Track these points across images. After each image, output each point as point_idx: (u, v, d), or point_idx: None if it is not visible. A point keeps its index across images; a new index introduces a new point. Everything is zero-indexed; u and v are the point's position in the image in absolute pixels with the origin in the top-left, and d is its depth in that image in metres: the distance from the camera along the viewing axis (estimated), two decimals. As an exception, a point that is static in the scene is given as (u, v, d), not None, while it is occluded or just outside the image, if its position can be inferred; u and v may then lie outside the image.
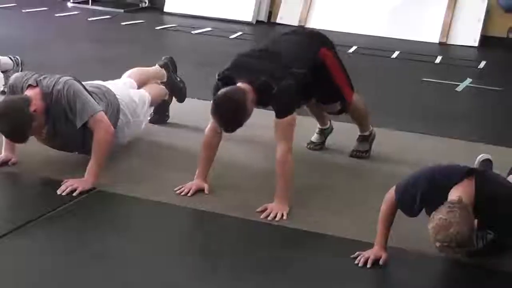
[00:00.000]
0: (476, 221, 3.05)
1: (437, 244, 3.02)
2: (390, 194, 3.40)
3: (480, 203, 3.17)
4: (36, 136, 4.12)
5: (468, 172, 3.27)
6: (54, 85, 4.05)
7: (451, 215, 2.99)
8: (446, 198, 3.15)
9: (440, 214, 3.02)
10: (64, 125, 4.09)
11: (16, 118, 3.89)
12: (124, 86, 4.69)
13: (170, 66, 5.24)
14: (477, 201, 3.17)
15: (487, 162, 4.30)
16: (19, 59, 5.58)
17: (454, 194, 3.15)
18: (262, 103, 4.00)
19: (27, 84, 4.07)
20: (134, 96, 4.64)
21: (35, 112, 3.94)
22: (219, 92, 3.84)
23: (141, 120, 4.72)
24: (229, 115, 3.81)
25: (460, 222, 2.97)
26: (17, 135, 3.99)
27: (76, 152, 4.33)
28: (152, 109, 5.06)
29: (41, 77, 4.10)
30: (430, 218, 3.08)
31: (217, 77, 4.05)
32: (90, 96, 4.13)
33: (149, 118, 5.15)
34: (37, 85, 4.04)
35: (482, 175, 3.31)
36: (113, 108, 4.37)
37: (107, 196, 3.96)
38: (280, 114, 3.93)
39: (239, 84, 3.90)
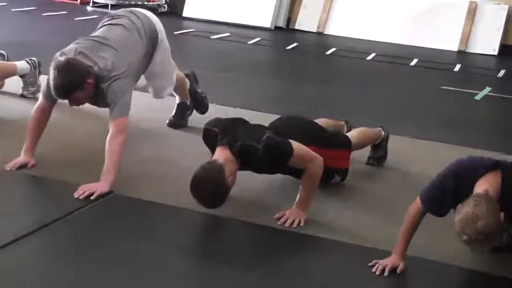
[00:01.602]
0: (502, 214, 3.02)
1: (465, 237, 2.97)
2: (414, 204, 3.37)
3: (506, 196, 3.14)
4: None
5: (494, 165, 3.23)
6: (105, 78, 4.11)
7: (478, 208, 2.96)
8: (472, 191, 3.12)
9: (467, 208, 2.98)
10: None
11: (74, 79, 3.99)
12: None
13: (192, 78, 5.26)
14: (503, 194, 3.14)
15: None
16: (36, 61, 5.59)
17: (480, 187, 3.13)
18: (246, 166, 3.90)
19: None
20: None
21: (89, 85, 4.04)
22: (198, 172, 3.74)
23: (170, 78, 4.86)
24: (208, 199, 3.75)
25: (487, 215, 2.94)
26: (66, 90, 4.02)
27: None
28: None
29: (91, 58, 4.15)
30: (456, 211, 3.05)
31: (205, 125, 4.03)
32: (126, 98, 4.17)
33: (167, 121, 5.18)
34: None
35: (508, 168, 3.26)
36: (153, 40, 4.61)
37: (124, 200, 3.97)
38: (286, 162, 3.83)
39: (218, 156, 3.81)
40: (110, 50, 4.25)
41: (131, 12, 4.68)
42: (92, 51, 4.20)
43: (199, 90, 5.30)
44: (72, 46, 4.28)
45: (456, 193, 3.22)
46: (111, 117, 4.13)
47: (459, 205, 3.06)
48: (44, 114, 4.29)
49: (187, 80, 5.21)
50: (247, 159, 3.82)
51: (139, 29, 4.52)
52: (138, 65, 4.45)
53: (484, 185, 3.13)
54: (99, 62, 4.14)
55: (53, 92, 4.06)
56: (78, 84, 4.02)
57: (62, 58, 4.08)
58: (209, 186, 3.70)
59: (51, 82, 4.04)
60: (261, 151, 3.76)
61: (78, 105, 4.21)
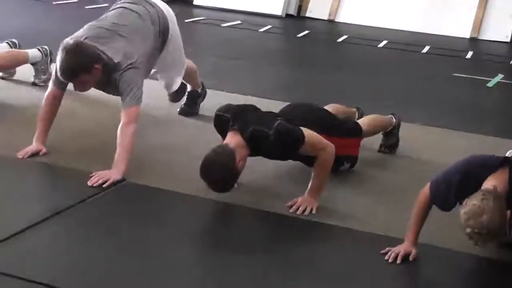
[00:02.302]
0: (508, 211, 3.02)
1: (468, 230, 2.98)
2: (424, 191, 3.37)
3: None
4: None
5: (502, 162, 3.23)
6: (116, 67, 4.11)
7: (484, 202, 2.96)
8: (480, 188, 3.11)
9: (473, 201, 2.99)
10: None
11: (81, 61, 3.99)
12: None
13: (204, 90, 5.28)
14: (510, 191, 3.14)
15: None
16: (48, 49, 5.59)
17: (489, 183, 3.13)
18: (257, 152, 3.90)
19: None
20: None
21: (96, 70, 4.04)
22: (208, 155, 3.73)
23: (181, 68, 4.84)
24: (218, 183, 3.74)
25: (493, 210, 2.94)
26: (69, 72, 4.03)
27: None
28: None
29: (101, 46, 4.15)
30: (463, 204, 3.05)
31: (217, 111, 4.02)
32: (137, 87, 4.15)
33: (179, 109, 5.18)
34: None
35: None
36: (163, 26, 4.58)
37: (136, 188, 3.98)
38: (297, 149, 3.83)
39: (229, 140, 3.81)
40: (121, 39, 4.24)
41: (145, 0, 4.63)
42: (101, 40, 4.19)
43: (199, 102, 5.25)
44: (80, 32, 4.28)
45: (460, 190, 3.22)
46: (123, 107, 4.13)
47: (466, 199, 3.06)
48: (55, 102, 4.30)
49: (197, 78, 5.17)
50: (257, 145, 3.82)
51: (152, 18, 4.51)
52: (150, 54, 4.43)
53: (493, 182, 3.14)
54: (108, 52, 4.13)
55: (59, 73, 4.06)
56: (86, 67, 4.01)
57: (71, 41, 4.09)
58: (219, 170, 3.70)
59: (58, 64, 4.05)
60: (272, 137, 3.76)
61: (83, 90, 4.21)
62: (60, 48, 4.07)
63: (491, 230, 2.96)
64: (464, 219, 2.99)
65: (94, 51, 4.08)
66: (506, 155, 4.29)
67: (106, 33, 4.27)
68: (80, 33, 4.26)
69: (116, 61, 4.12)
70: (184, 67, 4.89)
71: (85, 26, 4.35)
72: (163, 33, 4.59)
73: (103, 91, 4.37)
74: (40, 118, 4.32)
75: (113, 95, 4.32)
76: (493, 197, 3.00)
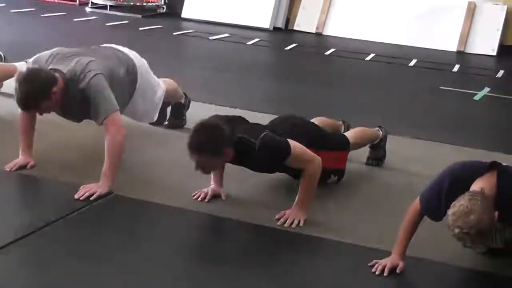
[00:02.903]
0: (496, 213, 3.03)
1: (456, 230, 2.98)
2: (414, 204, 3.38)
3: (501, 196, 3.15)
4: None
5: (490, 166, 3.25)
6: (79, 78, 4.04)
7: (472, 202, 2.98)
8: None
9: (461, 201, 3.01)
10: (86, 115, 4.17)
11: (36, 88, 3.91)
12: (143, 61, 4.72)
13: (188, 99, 5.25)
14: (499, 194, 3.16)
15: None
16: None
17: (476, 186, 3.15)
18: (242, 162, 3.91)
19: (50, 67, 4.10)
20: (150, 72, 4.71)
21: (54, 94, 3.97)
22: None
23: (156, 102, 4.75)
24: (202, 139, 3.71)
25: (481, 210, 2.96)
26: (26, 101, 3.98)
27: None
28: (167, 114, 5.11)
29: (66, 61, 4.11)
30: (451, 205, 3.05)
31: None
32: (110, 94, 4.09)
33: (166, 123, 5.17)
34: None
35: (504, 169, 3.29)
36: (131, 74, 4.44)
37: (123, 200, 3.97)
38: (283, 161, 3.83)
39: None
40: (88, 56, 4.19)
41: (114, 47, 4.58)
42: (64, 59, 4.14)
43: (185, 113, 5.22)
44: (47, 51, 4.25)
45: (450, 196, 3.21)
46: (102, 120, 4.04)
47: (454, 201, 3.07)
48: (29, 119, 4.27)
49: (180, 93, 5.14)
50: (243, 155, 3.82)
51: (122, 62, 4.43)
52: (120, 83, 4.31)
53: (481, 184, 3.15)
54: (72, 62, 4.09)
55: (18, 106, 4.02)
56: (42, 94, 3.95)
57: (23, 70, 4.02)
58: (207, 131, 3.71)
59: (15, 97, 3.98)
60: (257, 147, 3.77)
61: (48, 112, 4.14)
62: (15, 80, 4.01)
63: (479, 230, 2.96)
64: (452, 220, 3.00)
65: (46, 76, 4.00)
66: None
67: (74, 50, 4.23)
68: (46, 52, 4.22)
69: (78, 73, 4.06)
70: (157, 109, 4.82)
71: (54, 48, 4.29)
72: (131, 82, 4.49)
73: (65, 116, 4.29)
74: (20, 132, 4.31)
75: (76, 118, 4.25)
76: (480, 197, 3.01)
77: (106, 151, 4.04)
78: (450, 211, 3.02)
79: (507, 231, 3.43)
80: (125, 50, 4.61)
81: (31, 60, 4.29)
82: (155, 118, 4.86)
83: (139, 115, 4.72)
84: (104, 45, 4.65)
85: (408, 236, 3.38)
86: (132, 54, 4.61)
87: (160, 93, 4.80)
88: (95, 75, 4.07)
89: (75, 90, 4.05)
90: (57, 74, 4.03)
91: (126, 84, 4.41)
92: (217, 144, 3.72)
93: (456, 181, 3.25)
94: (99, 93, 4.05)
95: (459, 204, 3.00)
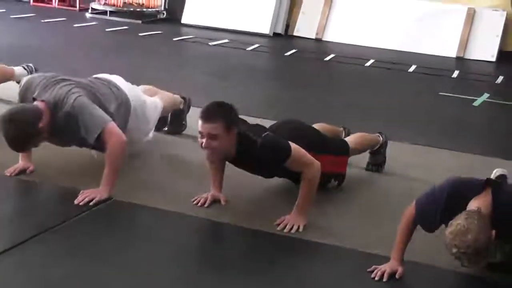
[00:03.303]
0: (493, 232, 3.04)
1: (454, 250, 3.01)
2: (410, 209, 3.40)
3: (497, 214, 3.17)
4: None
5: (485, 185, 3.27)
6: (62, 103, 4.02)
7: (469, 221, 3.00)
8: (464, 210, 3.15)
9: (458, 221, 3.03)
10: (76, 139, 4.12)
11: (24, 131, 3.89)
12: (135, 88, 4.67)
13: (186, 102, 5.22)
14: (494, 213, 3.17)
15: (502, 178, 4.29)
16: (33, 67, 5.59)
17: (473, 205, 3.17)
18: (242, 161, 3.93)
19: (33, 96, 4.09)
20: (145, 99, 4.65)
21: (42, 129, 3.96)
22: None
23: (150, 128, 4.70)
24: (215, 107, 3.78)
25: (478, 230, 2.98)
26: (18, 145, 4.00)
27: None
28: (167, 119, 5.10)
29: (49, 88, 4.09)
30: (448, 224, 3.08)
31: None
32: (97, 109, 4.08)
33: (165, 128, 5.17)
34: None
35: (498, 186, 3.31)
36: (124, 108, 4.37)
37: (123, 205, 3.97)
38: (283, 162, 3.83)
39: None
40: (73, 83, 4.17)
41: (109, 81, 4.48)
42: (52, 80, 4.14)
43: (185, 118, 5.21)
44: (40, 74, 4.26)
45: (445, 211, 3.25)
46: (96, 136, 3.99)
47: (451, 220, 3.09)
48: None
49: (178, 101, 5.13)
50: (243, 151, 3.83)
51: (115, 96, 4.37)
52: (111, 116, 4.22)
53: (477, 203, 3.18)
54: (55, 89, 4.07)
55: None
56: (31, 135, 3.94)
57: (6, 115, 3.93)
58: (222, 103, 3.81)
59: (4, 139, 3.93)
60: (259, 145, 3.77)
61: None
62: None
63: (476, 249, 2.99)
64: (449, 239, 3.02)
65: (32, 113, 3.95)
66: (493, 173, 4.33)
67: (57, 78, 4.19)
68: (35, 78, 4.21)
69: (62, 97, 4.03)
70: (152, 128, 4.77)
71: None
72: (123, 115, 4.40)
73: (54, 142, 4.24)
74: None
75: (64, 143, 4.22)
76: (477, 217, 3.03)
77: (106, 157, 4.04)
78: (447, 231, 3.05)
79: (507, 246, 3.43)
80: (120, 83, 4.51)
81: (23, 82, 4.26)
82: (151, 135, 4.78)
83: (134, 141, 4.48)
84: (100, 75, 4.53)
85: (405, 240, 3.39)
86: (127, 88, 4.52)
87: (155, 115, 4.74)
88: (78, 96, 4.06)
89: (61, 116, 4.03)
90: (40, 106, 4.01)
91: (116, 117, 4.27)
92: (231, 115, 3.77)
93: (453, 198, 3.27)
94: (85, 111, 4.03)
95: (456, 224, 3.02)
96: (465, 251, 2.99)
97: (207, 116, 3.73)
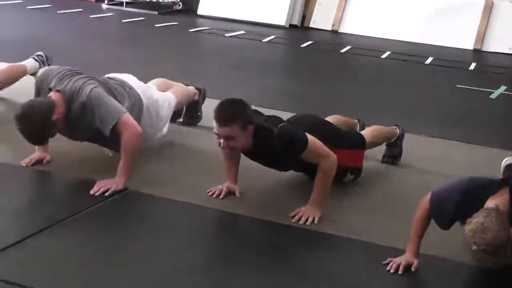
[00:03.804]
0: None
1: (474, 247, 3.04)
2: (424, 201, 3.39)
3: None
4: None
5: (501, 184, 3.28)
6: (78, 94, 4.05)
7: (488, 219, 3.02)
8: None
9: (477, 218, 3.05)
10: (90, 131, 4.10)
11: (39, 124, 3.91)
12: (147, 87, 4.68)
13: (202, 93, 5.20)
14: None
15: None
16: (44, 56, 5.54)
17: (490, 203, 3.18)
18: (259, 154, 3.92)
19: (49, 87, 4.11)
20: (158, 98, 4.64)
21: (57, 121, 3.97)
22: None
23: (162, 124, 4.69)
24: (229, 105, 3.76)
25: (497, 227, 3.00)
26: (35, 139, 4.03)
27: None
28: (182, 110, 5.10)
29: (65, 80, 4.11)
30: (467, 222, 3.09)
31: None
32: (112, 100, 4.11)
33: (181, 120, 5.17)
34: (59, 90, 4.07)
35: None
36: (137, 108, 4.36)
37: (138, 196, 3.98)
38: (300, 153, 3.82)
39: None
40: (89, 77, 4.19)
41: (122, 81, 4.48)
42: (68, 73, 4.16)
43: (200, 109, 5.20)
44: (57, 67, 4.27)
45: (460, 210, 3.26)
46: (112, 127, 4.00)
47: (469, 218, 3.10)
48: None
49: (193, 93, 5.11)
50: (260, 143, 3.81)
51: (129, 96, 4.37)
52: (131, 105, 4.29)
53: (494, 202, 3.19)
54: (71, 81, 4.08)
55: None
56: (46, 129, 3.96)
57: (20, 110, 3.94)
58: (235, 103, 3.78)
59: (21, 133, 3.96)
60: (276, 136, 3.77)
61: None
62: (14, 117, 3.95)
63: (497, 246, 3.01)
64: (469, 237, 3.05)
65: (45, 105, 3.97)
66: (502, 162, 4.32)
67: (73, 72, 4.21)
68: (52, 70, 4.23)
69: (77, 89, 4.05)
70: (166, 123, 4.72)
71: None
72: (137, 114, 4.38)
73: (69, 136, 4.25)
74: None
75: (79, 136, 4.22)
76: (495, 214, 3.05)
77: (122, 149, 4.05)
78: (466, 228, 3.07)
79: None
80: (133, 83, 4.51)
81: (40, 73, 4.30)
82: (165, 131, 4.74)
83: (147, 138, 4.45)
84: (113, 75, 4.53)
85: (421, 233, 3.39)
86: (139, 88, 4.52)
87: (168, 112, 4.71)
88: (94, 87, 4.08)
89: (76, 106, 4.05)
90: (55, 96, 4.03)
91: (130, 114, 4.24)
92: (245, 114, 3.74)
93: (469, 197, 3.27)
94: (101, 102, 4.04)
95: (475, 221, 3.04)
96: (485, 248, 3.01)
97: (222, 119, 3.71)
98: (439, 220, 3.37)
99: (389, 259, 3.38)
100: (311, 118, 4.38)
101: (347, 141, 4.28)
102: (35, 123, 3.91)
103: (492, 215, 3.04)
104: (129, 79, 4.55)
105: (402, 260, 3.35)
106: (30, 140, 4.02)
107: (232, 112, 3.73)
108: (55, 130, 4.03)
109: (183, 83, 5.12)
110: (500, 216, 3.05)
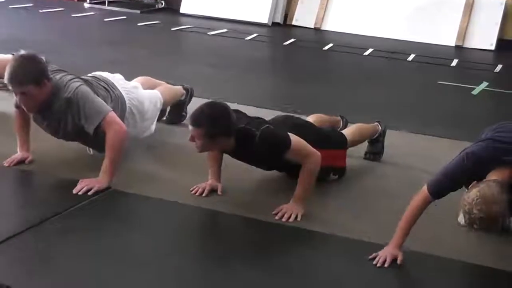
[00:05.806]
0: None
1: (471, 215, 3.16)
2: (421, 194, 3.41)
3: None
4: (27, 111, 4.12)
5: (506, 161, 3.37)
6: (64, 88, 4.04)
7: (488, 190, 3.16)
8: (485, 175, 3.31)
9: (478, 187, 3.18)
10: (73, 128, 4.09)
11: (33, 69, 3.90)
12: (134, 88, 4.65)
13: (189, 92, 5.19)
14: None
15: None
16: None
17: (492, 176, 3.30)
18: (241, 154, 3.93)
19: None
20: (144, 99, 4.62)
21: (44, 87, 3.93)
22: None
23: (149, 123, 4.68)
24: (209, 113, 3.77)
25: (496, 198, 3.14)
26: (18, 73, 3.90)
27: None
28: (167, 109, 5.10)
29: (52, 74, 4.08)
30: (466, 191, 3.24)
31: None
32: (98, 99, 4.11)
33: (164, 118, 5.16)
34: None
35: None
36: (119, 112, 4.33)
37: (122, 195, 3.97)
38: (283, 153, 3.84)
39: None
40: (74, 76, 4.19)
41: (107, 81, 4.45)
42: (54, 70, 4.14)
43: (185, 109, 5.17)
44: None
45: (471, 175, 3.37)
46: (97, 125, 4.00)
47: (471, 185, 3.26)
48: (24, 116, 4.25)
49: (180, 93, 5.11)
50: (243, 145, 3.82)
51: (111, 98, 4.35)
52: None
53: (496, 176, 3.31)
54: (58, 76, 4.08)
55: (6, 81, 3.94)
56: (35, 77, 3.92)
57: (23, 51, 4.00)
58: (212, 108, 3.79)
59: (7, 72, 3.91)
60: (258, 138, 3.77)
61: (28, 107, 4.04)
62: (11, 58, 3.98)
63: (492, 215, 3.15)
64: (468, 204, 3.16)
65: (46, 67, 3.99)
66: None
67: (59, 69, 4.20)
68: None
69: (64, 84, 4.04)
70: (153, 123, 4.74)
71: None
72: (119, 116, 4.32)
73: (43, 125, 4.20)
74: (16, 129, 4.32)
75: (55, 131, 4.18)
76: (496, 186, 3.18)
77: (106, 147, 4.03)
78: (466, 196, 3.20)
79: None
80: (118, 83, 4.48)
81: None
82: (153, 129, 4.76)
83: (131, 138, 4.43)
84: (99, 74, 4.51)
85: (409, 227, 3.41)
86: (125, 89, 4.50)
87: (155, 112, 4.72)
88: (80, 85, 4.08)
89: (62, 100, 4.02)
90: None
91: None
92: (216, 126, 3.73)
93: (480, 165, 3.37)
94: (87, 99, 4.03)
95: (476, 190, 3.18)
96: (482, 216, 3.14)
97: (193, 121, 3.76)
98: (446, 187, 3.38)
99: (374, 254, 3.39)
100: (293, 119, 4.40)
101: (330, 142, 4.28)
102: (31, 64, 3.91)
103: (493, 187, 3.17)
104: (115, 78, 4.53)
105: (387, 254, 3.37)
106: (13, 74, 3.89)
107: (202, 121, 3.74)
108: (34, 90, 3.91)
109: (167, 82, 5.12)
110: (499, 186, 3.18)
